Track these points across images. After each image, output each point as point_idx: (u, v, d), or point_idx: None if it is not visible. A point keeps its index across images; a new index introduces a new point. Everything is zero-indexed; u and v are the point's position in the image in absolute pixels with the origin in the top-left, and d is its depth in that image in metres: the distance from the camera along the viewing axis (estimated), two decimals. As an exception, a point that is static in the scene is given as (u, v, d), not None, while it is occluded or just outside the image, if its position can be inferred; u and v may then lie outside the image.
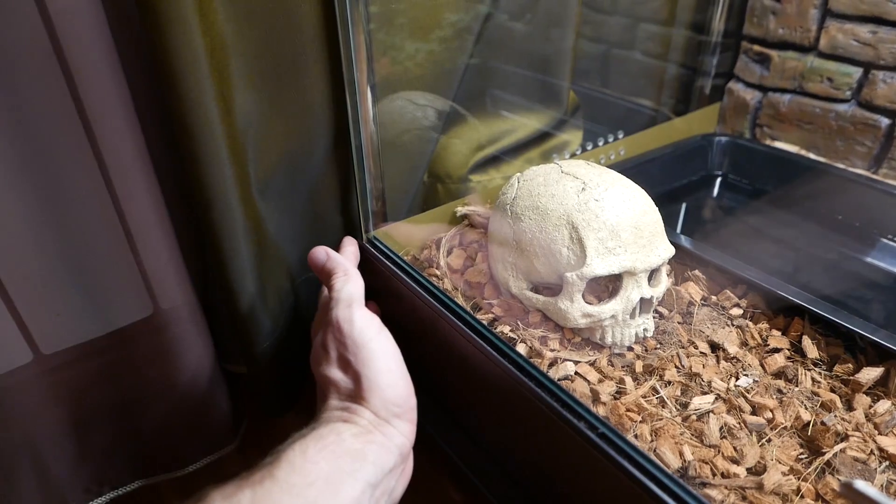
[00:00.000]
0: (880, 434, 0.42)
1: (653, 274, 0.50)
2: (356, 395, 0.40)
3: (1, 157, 0.41)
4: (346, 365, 0.41)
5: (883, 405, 0.43)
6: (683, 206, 0.78)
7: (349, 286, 0.45)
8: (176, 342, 0.52)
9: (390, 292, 0.54)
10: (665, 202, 0.75)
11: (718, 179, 0.81)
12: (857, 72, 0.71)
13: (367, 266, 0.57)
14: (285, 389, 0.60)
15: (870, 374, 0.44)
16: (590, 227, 0.46)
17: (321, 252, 0.49)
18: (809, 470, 0.40)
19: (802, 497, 0.39)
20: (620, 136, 0.77)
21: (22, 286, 0.45)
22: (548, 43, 0.69)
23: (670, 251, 0.49)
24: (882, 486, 0.40)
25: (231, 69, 0.45)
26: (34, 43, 0.39)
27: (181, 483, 0.58)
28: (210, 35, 0.42)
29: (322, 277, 0.48)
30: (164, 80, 0.41)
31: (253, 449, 0.60)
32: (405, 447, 0.40)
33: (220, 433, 0.57)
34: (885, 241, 0.66)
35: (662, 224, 0.50)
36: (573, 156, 0.74)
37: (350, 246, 0.54)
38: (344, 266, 0.47)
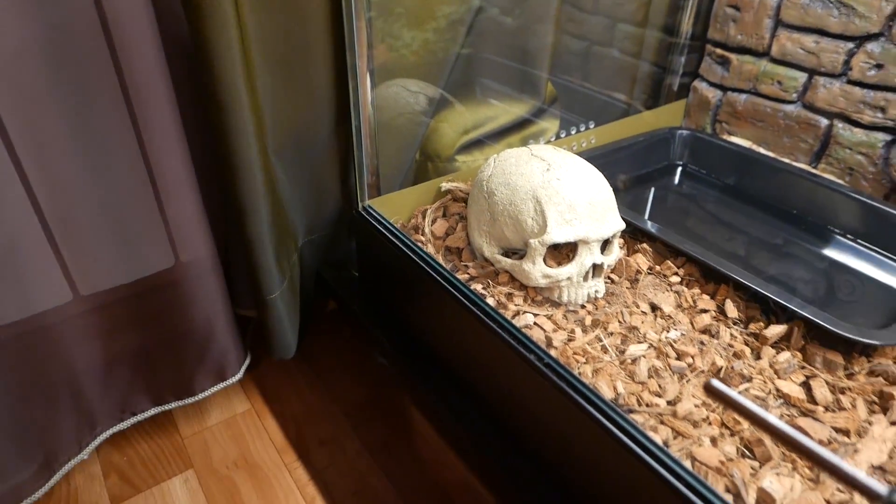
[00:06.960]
0: (779, 378, 0.52)
1: (606, 244, 0.59)
2: None
3: (53, 119, 0.49)
4: None
5: (784, 356, 0.53)
6: (647, 190, 0.87)
7: None
8: (194, 290, 0.61)
9: (382, 254, 0.63)
10: (630, 187, 0.85)
11: (679, 168, 0.90)
12: (802, 77, 0.79)
13: (362, 231, 0.65)
14: (287, 337, 0.69)
15: (775, 329, 0.54)
16: (551, 201, 0.55)
17: None
18: (717, 404, 0.49)
19: (710, 424, 0.48)
20: (592, 125, 0.85)
21: (66, 232, 0.53)
22: (530, 37, 0.77)
23: (620, 225, 0.58)
24: (777, 417, 0.49)
25: (254, 54, 0.53)
26: (86, 22, 0.46)
27: (191, 408, 0.67)
28: (240, 25, 0.50)
29: None
30: (202, 61, 0.49)
31: (252, 381, 0.70)
32: None
33: (226, 367, 0.66)
34: (819, 226, 0.76)
35: (615, 202, 0.59)
36: (549, 142, 0.82)
37: None
38: None
